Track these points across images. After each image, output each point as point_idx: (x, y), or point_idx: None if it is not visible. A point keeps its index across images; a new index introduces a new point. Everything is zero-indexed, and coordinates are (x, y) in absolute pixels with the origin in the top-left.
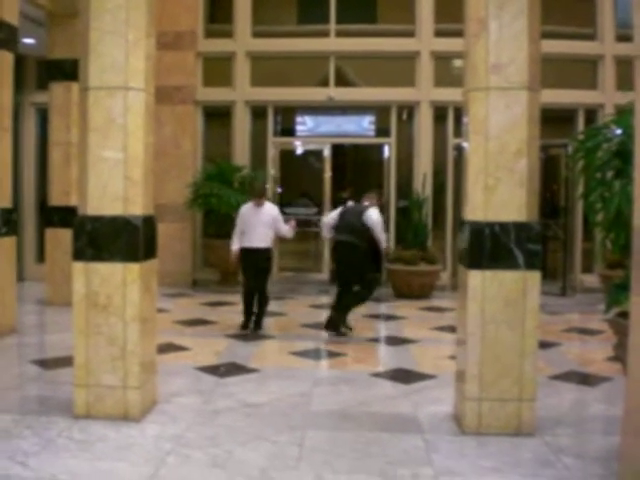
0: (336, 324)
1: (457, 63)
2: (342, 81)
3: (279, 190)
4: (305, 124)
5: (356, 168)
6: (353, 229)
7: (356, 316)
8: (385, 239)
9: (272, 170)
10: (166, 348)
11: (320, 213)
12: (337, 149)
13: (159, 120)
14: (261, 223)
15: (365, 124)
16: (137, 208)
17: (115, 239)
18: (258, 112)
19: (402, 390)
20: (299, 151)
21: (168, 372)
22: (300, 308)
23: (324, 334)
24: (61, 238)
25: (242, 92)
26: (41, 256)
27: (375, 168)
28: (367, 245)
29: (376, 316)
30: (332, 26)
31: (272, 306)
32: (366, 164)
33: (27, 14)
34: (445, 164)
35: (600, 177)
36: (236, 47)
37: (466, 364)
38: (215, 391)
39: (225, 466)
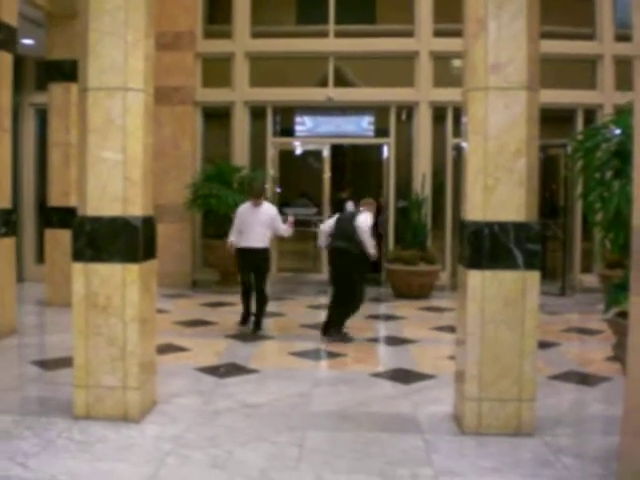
0: (332, 330)
1: (456, 63)
2: (341, 81)
3: (278, 190)
4: (304, 124)
5: (355, 168)
6: (345, 235)
7: (356, 316)
8: (372, 245)
9: (271, 170)
10: (166, 349)
11: (320, 213)
12: (336, 149)
13: (158, 121)
14: (259, 223)
15: (364, 124)
16: (136, 209)
17: (114, 240)
18: (257, 112)
19: (402, 390)
20: (298, 151)
21: (168, 373)
22: (299, 309)
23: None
24: (60, 239)
25: (241, 92)
26: (41, 257)
27: (374, 168)
28: (360, 250)
29: (375, 316)
30: (331, 26)
31: (271, 307)
32: (365, 164)
33: (26, 15)
34: (444, 164)
35: (599, 177)
36: (235, 48)
37: (465, 364)
38: (215, 392)
39: (225, 467)
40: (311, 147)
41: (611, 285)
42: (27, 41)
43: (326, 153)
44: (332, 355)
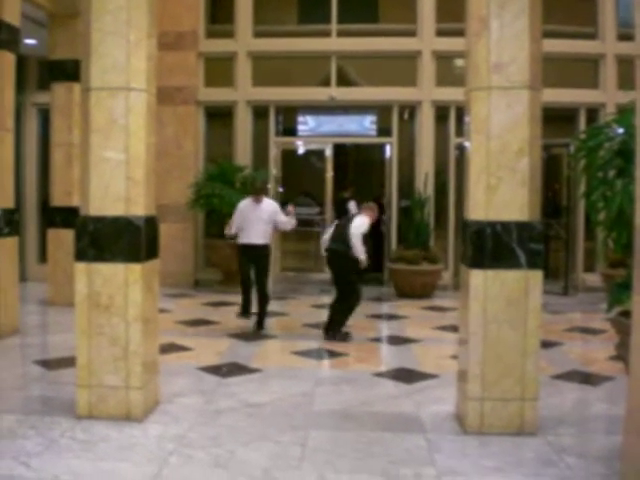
0: (332, 330)
1: (459, 62)
2: (343, 81)
3: (281, 190)
4: (307, 124)
5: (358, 168)
6: (340, 237)
7: (358, 316)
8: (363, 251)
9: (274, 170)
10: (168, 348)
11: (322, 213)
12: (339, 149)
13: (161, 121)
14: (260, 220)
15: (367, 124)
16: (139, 208)
17: (117, 239)
18: (260, 112)
19: (404, 390)
20: (301, 151)
21: (170, 372)
22: (302, 308)
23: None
24: (63, 238)
25: (244, 92)
26: (43, 256)
27: (377, 168)
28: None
29: (378, 316)
30: (333, 26)
31: (274, 306)
32: (368, 164)
33: (28, 15)
34: (447, 164)
35: (602, 176)
36: (237, 47)
37: (468, 364)
38: (217, 391)
39: (227, 466)
40: (313, 146)
41: (614, 284)
42: (30, 41)
43: (328, 152)
44: (334, 354)
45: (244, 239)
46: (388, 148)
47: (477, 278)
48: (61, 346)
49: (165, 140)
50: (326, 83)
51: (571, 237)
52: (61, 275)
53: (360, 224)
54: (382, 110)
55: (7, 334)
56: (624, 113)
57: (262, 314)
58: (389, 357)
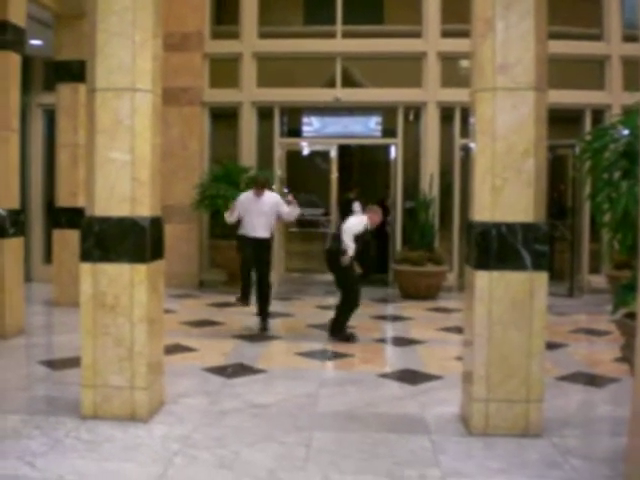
0: (335, 330)
1: (464, 64)
2: (349, 82)
3: (286, 191)
4: (312, 125)
5: (363, 169)
6: (337, 236)
7: (363, 317)
8: (351, 247)
9: (279, 171)
10: (173, 349)
11: (327, 214)
12: (344, 150)
13: (166, 121)
14: (261, 213)
15: (372, 125)
16: (144, 209)
17: (122, 240)
18: (265, 113)
19: (409, 391)
20: (306, 152)
21: (175, 373)
22: (307, 309)
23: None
24: (68, 239)
25: (249, 93)
26: (48, 257)
27: (382, 169)
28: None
29: (383, 317)
30: (338, 27)
31: (279, 307)
32: (373, 165)
33: (34, 16)
34: (452, 165)
35: (607, 178)
36: (242, 48)
37: (473, 365)
38: (222, 392)
39: (232, 467)
40: (318, 148)
41: (619, 286)
42: (35, 42)
43: (333, 154)
44: (339, 355)
45: (248, 232)
46: (393, 149)
47: (482, 279)
48: (66, 346)
49: (170, 141)
50: (331, 84)
51: (576, 238)
52: (66, 275)
53: (355, 223)
54: (387, 111)
55: (12, 334)
56: (629, 114)
57: (265, 310)
58: (394, 358)
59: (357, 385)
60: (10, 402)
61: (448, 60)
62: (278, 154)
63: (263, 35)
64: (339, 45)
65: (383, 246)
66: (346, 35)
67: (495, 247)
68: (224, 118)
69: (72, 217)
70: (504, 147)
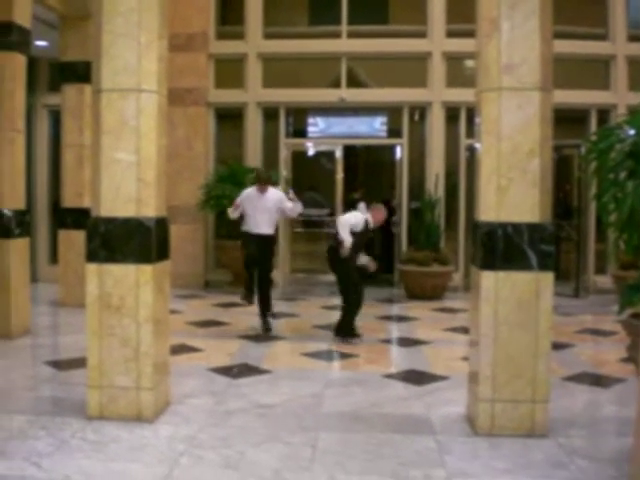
0: (339, 330)
1: (469, 63)
2: (354, 82)
3: (291, 191)
4: (317, 125)
5: (368, 169)
6: (335, 235)
7: (368, 317)
8: (348, 241)
9: (284, 171)
10: (179, 349)
11: (333, 214)
12: (349, 150)
13: (171, 122)
14: (265, 209)
15: (377, 125)
16: (150, 210)
17: (128, 241)
18: (270, 113)
19: (414, 391)
20: (311, 152)
21: (181, 373)
22: (312, 309)
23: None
24: (74, 239)
25: (254, 93)
26: (54, 257)
27: (387, 169)
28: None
29: (388, 317)
30: (344, 27)
31: (284, 307)
32: (378, 165)
33: (39, 17)
34: (457, 165)
35: (613, 178)
36: (248, 48)
37: (479, 365)
38: (228, 392)
39: (238, 467)
40: (324, 148)
41: (625, 286)
42: (41, 43)
43: (339, 154)
44: (344, 356)
45: (251, 228)
46: (398, 149)
47: (488, 280)
48: (72, 347)
49: (176, 141)
50: (336, 84)
51: (582, 239)
52: (72, 276)
53: (349, 217)
54: (392, 111)
55: (18, 335)
56: (635, 114)
57: (265, 309)
58: (399, 359)
59: (362, 385)
60: (16, 402)
61: (453, 60)
62: (283, 154)
63: (268, 35)
64: (344, 45)
65: (389, 246)
66: (351, 35)
67: (501, 247)
68: (229, 118)
69: (78, 217)
70: (509, 147)
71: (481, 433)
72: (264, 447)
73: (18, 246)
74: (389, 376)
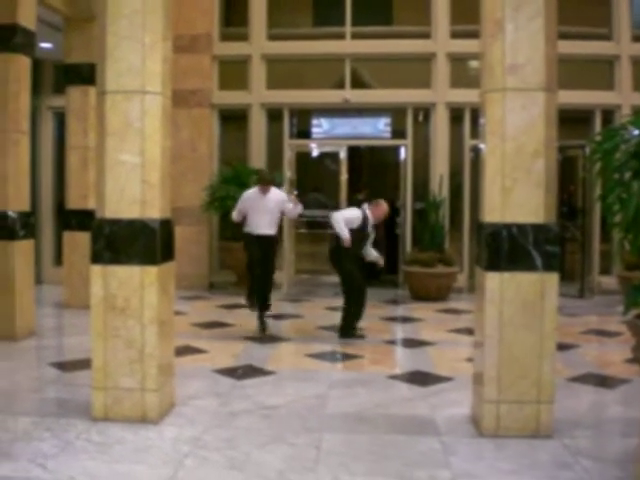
0: (342, 330)
1: (473, 64)
2: (358, 83)
3: (295, 192)
4: (321, 126)
5: (372, 170)
6: (334, 234)
7: (373, 318)
8: (344, 235)
9: (288, 172)
10: (183, 351)
11: None
12: (353, 151)
13: (176, 123)
14: (267, 210)
15: (381, 126)
16: (154, 211)
17: (133, 242)
18: (274, 115)
19: (419, 392)
20: (315, 153)
21: (185, 375)
22: (316, 310)
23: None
24: (79, 241)
25: (258, 95)
26: (59, 259)
27: (391, 170)
28: (339, 241)
29: (393, 318)
30: (348, 28)
31: (288, 308)
32: (382, 166)
33: (44, 19)
34: (462, 165)
35: (618, 178)
36: (252, 50)
37: (484, 366)
38: (232, 393)
39: (243, 468)
40: (328, 149)
41: (630, 287)
42: (45, 45)
43: (343, 155)
44: (349, 357)
45: (254, 230)
46: (403, 150)
47: (493, 281)
48: (77, 348)
49: (180, 143)
50: (340, 85)
51: (587, 239)
52: (77, 278)
53: (345, 211)
54: (396, 112)
55: (23, 336)
56: None
57: (264, 308)
58: (404, 359)
59: (367, 386)
60: (21, 404)
61: (457, 61)
62: (288, 156)
63: (272, 37)
64: (348, 46)
65: (393, 247)
66: (355, 36)
67: (506, 248)
68: (233, 120)
69: (82, 219)
70: (514, 148)
71: (486, 434)
72: (269, 448)
73: (23, 248)
74: (394, 377)
